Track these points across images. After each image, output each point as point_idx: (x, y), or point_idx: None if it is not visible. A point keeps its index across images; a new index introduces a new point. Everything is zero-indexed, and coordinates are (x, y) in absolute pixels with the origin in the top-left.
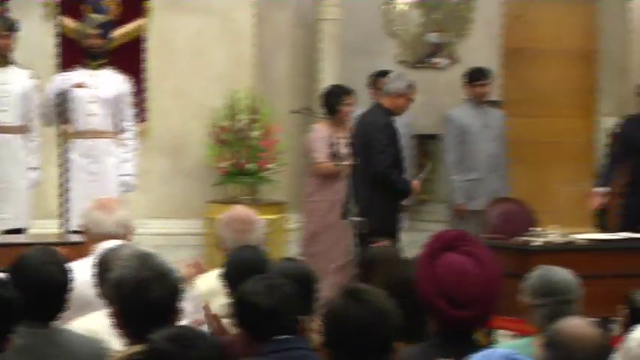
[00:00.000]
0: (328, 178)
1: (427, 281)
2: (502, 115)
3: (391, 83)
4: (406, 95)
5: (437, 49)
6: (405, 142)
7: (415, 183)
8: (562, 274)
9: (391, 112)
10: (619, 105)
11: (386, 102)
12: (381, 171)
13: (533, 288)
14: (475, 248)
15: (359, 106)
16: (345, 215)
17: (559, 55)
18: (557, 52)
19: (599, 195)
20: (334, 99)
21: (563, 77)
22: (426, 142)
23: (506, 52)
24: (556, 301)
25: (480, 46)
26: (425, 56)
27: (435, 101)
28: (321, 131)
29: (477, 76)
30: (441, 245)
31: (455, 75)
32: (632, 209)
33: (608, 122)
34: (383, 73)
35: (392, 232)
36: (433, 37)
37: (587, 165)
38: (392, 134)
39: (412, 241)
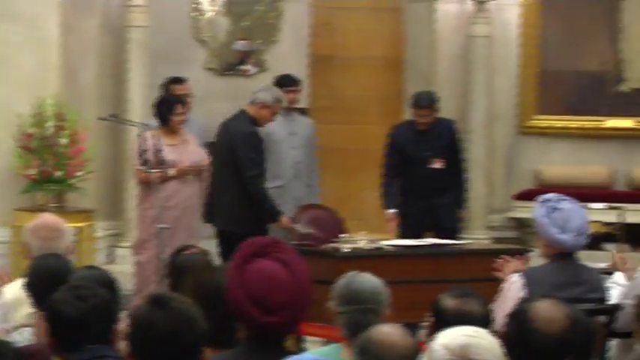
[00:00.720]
0: (152, 185)
1: (237, 287)
2: (311, 122)
3: (258, 93)
4: (271, 108)
5: (245, 57)
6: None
7: (285, 219)
8: (367, 281)
9: (255, 121)
10: None
11: (251, 111)
12: (248, 181)
13: (338, 295)
14: (285, 255)
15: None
16: (206, 219)
17: (366, 63)
18: (364, 60)
19: (391, 218)
20: (166, 108)
21: (371, 85)
22: None
23: (314, 59)
24: (359, 309)
25: (288, 54)
26: (233, 63)
27: None
28: (141, 139)
29: (284, 83)
30: (252, 252)
31: (263, 82)
32: (410, 219)
33: None
34: (176, 80)
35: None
36: (241, 44)
37: None
38: (258, 143)
39: None
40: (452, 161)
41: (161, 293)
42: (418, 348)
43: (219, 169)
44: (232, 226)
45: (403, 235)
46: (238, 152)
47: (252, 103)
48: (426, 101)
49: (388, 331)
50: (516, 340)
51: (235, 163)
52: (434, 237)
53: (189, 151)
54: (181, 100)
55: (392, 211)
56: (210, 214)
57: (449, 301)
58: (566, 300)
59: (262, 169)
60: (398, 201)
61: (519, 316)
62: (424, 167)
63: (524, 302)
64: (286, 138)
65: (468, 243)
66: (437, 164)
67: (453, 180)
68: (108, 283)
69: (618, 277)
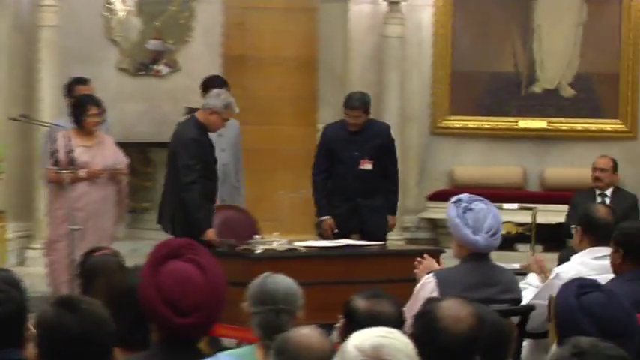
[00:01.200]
0: (62, 185)
1: (150, 288)
2: (237, 124)
3: (209, 99)
4: (221, 114)
5: (157, 57)
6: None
7: (211, 233)
8: (281, 281)
9: (204, 127)
10: (338, 113)
11: (200, 116)
12: (182, 188)
13: (252, 296)
14: (199, 256)
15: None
16: (158, 222)
17: (279, 63)
18: (277, 60)
19: (328, 224)
20: (80, 109)
21: (284, 85)
22: (148, 149)
23: (227, 59)
24: (272, 310)
25: (200, 54)
26: (145, 63)
27: (155, 109)
28: (52, 140)
29: (211, 83)
30: (166, 253)
31: (176, 83)
32: (338, 220)
33: None
34: (80, 80)
35: None
36: (153, 44)
37: (308, 173)
38: (196, 149)
39: (132, 249)
40: (384, 165)
41: (69, 295)
42: (335, 350)
43: (167, 174)
44: (176, 231)
45: (330, 236)
46: (177, 158)
47: (202, 108)
48: (357, 102)
49: (305, 333)
50: (424, 340)
51: (176, 169)
52: (359, 239)
53: (104, 153)
54: (96, 102)
55: (326, 217)
56: (161, 217)
57: (360, 302)
58: (479, 301)
59: (198, 176)
60: (328, 208)
61: (426, 315)
62: (353, 168)
63: (430, 302)
64: (214, 140)
65: (381, 244)
66: (366, 165)
67: (385, 184)
68: (14, 285)
69: (532, 278)
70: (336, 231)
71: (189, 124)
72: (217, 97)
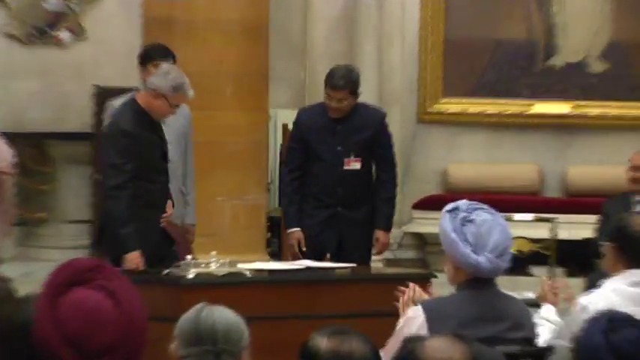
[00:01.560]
0: None
1: (48, 324)
2: (187, 110)
3: (154, 77)
4: (168, 98)
5: (57, 20)
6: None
7: (135, 257)
8: (220, 316)
9: (146, 113)
10: (297, 93)
11: (141, 99)
12: (107, 192)
13: (182, 334)
14: (112, 282)
15: None
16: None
17: (217, 28)
18: (215, 24)
19: (295, 237)
20: None
21: (224, 57)
22: (45, 142)
23: (149, 23)
24: (210, 351)
25: (114, 16)
26: (41, 29)
27: (55, 88)
28: None
29: (154, 55)
30: (68, 278)
31: (81, 54)
32: (313, 233)
33: (285, 116)
34: None
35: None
36: (52, 3)
37: (258, 172)
38: (128, 143)
39: (24, 272)
40: (376, 164)
41: None
42: None
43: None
44: (104, 247)
45: (306, 256)
46: (105, 153)
47: (145, 88)
48: (342, 80)
49: None
50: None
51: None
52: (331, 260)
53: None
54: None
55: (294, 229)
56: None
57: (322, 342)
58: (481, 340)
59: (128, 179)
60: (299, 218)
61: (407, 358)
62: (335, 167)
63: (412, 341)
64: None
65: (351, 266)
66: (352, 164)
67: (377, 189)
68: None
69: (547, 310)
70: (304, 249)
71: (124, 109)
72: (165, 75)
